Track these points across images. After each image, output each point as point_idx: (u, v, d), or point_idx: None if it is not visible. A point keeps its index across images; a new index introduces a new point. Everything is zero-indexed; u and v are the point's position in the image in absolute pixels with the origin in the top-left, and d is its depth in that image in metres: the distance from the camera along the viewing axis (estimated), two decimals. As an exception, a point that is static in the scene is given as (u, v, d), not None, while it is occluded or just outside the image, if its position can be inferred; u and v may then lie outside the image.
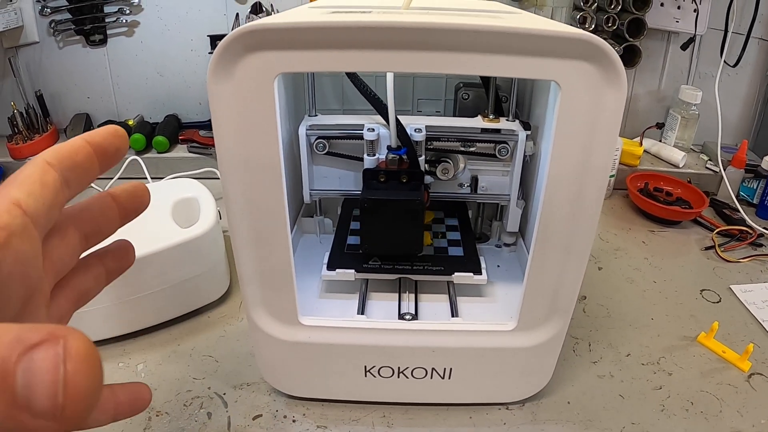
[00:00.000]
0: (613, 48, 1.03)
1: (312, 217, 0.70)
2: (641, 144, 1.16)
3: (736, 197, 1.04)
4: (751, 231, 0.95)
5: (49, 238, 0.28)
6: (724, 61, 1.13)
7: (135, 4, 1.12)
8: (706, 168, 1.14)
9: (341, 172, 0.65)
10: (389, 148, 0.60)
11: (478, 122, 0.63)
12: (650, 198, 1.02)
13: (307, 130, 0.61)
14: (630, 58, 1.08)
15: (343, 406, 0.57)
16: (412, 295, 0.61)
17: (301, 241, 0.70)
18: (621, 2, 1.04)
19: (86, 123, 1.20)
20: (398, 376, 0.54)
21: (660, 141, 1.21)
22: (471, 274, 0.60)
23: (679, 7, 1.11)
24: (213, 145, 1.06)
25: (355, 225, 0.68)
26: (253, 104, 0.40)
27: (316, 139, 0.62)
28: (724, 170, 1.07)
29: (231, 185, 0.43)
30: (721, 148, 1.11)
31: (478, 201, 0.69)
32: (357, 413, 0.57)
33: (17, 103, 1.11)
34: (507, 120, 0.64)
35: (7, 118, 1.11)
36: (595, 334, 0.70)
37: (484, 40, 0.37)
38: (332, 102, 0.71)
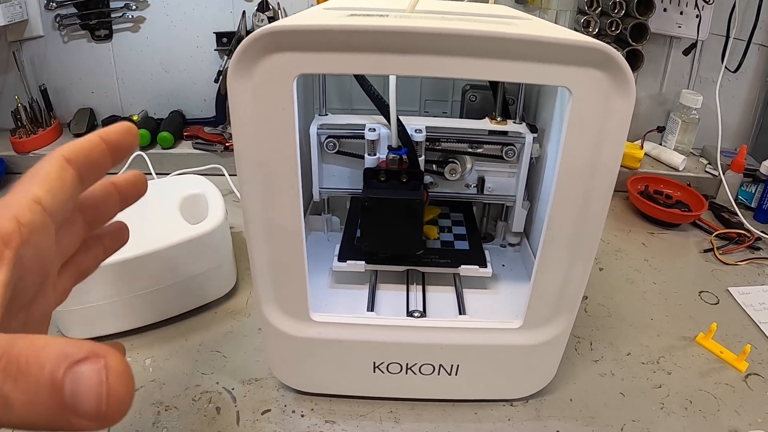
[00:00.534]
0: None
1: (319, 214, 0.71)
2: (642, 147, 1.17)
3: (735, 201, 1.05)
4: (749, 234, 0.97)
5: (60, 227, 0.29)
6: (725, 67, 1.14)
7: (141, 0, 1.12)
8: (706, 172, 1.15)
9: (349, 171, 0.66)
10: (390, 147, 0.61)
11: (485, 124, 0.64)
12: (650, 200, 1.03)
13: (318, 129, 0.62)
14: (632, 62, 1.09)
15: (351, 401, 0.58)
16: (420, 288, 0.62)
17: (309, 238, 0.71)
18: (625, 7, 1.05)
19: (90, 118, 1.20)
20: (406, 372, 0.55)
21: (660, 144, 1.22)
22: (476, 266, 0.61)
23: (681, 13, 1.13)
24: (218, 142, 1.07)
25: (362, 221, 0.69)
26: (272, 103, 0.41)
27: (327, 138, 0.63)
28: (724, 174, 1.09)
29: (248, 182, 0.44)
30: (721, 152, 1.12)
31: (484, 201, 0.71)
32: (365, 409, 0.58)
33: (21, 97, 1.11)
34: (514, 122, 0.65)
35: (10, 112, 1.11)
36: (597, 333, 0.71)
37: (500, 46, 0.38)
38: (336, 101, 0.72)
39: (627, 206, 1.09)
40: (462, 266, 0.61)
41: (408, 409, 0.58)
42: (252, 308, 0.72)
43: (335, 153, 0.64)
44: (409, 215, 0.58)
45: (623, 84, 0.40)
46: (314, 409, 0.57)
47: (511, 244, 0.72)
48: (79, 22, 1.13)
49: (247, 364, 0.63)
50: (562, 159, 0.43)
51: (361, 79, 0.59)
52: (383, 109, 0.59)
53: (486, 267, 0.61)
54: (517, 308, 0.55)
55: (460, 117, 0.71)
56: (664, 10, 1.13)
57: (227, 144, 1.11)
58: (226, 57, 1.15)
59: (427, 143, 0.62)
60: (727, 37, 1.14)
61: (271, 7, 1.09)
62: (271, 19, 1.09)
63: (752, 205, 1.08)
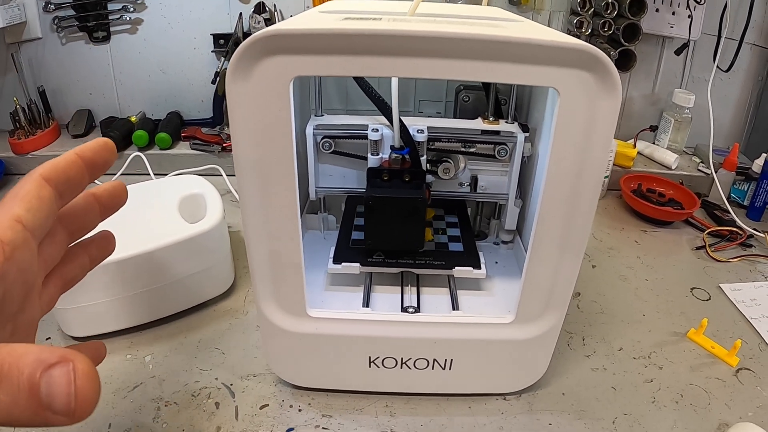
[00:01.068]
0: (609, 52, 1.05)
1: (316, 213, 0.72)
2: (635, 146, 1.18)
3: (727, 199, 1.06)
4: (741, 232, 0.98)
5: (41, 240, 0.32)
6: (717, 66, 1.16)
7: (139, 2, 1.13)
8: (698, 170, 1.17)
9: (345, 171, 0.67)
10: (392, 147, 0.62)
11: (478, 124, 0.65)
12: (643, 199, 1.04)
13: (314, 129, 0.63)
14: (625, 62, 1.11)
15: (347, 396, 0.59)
16: (414, 289, 0.63)
17: (306, 237, 0.72)
18: (617, 7, 1.06)
19: (88, 119, 1.21)
20: (401, 367, 0.56)
21: (653, 143, 1.24)
22: (470, 268, 0.62)
23: (673, 13, 1.14)
24: (215, 143, 1.09)
25: (359, 221, 0.70)
26: (269, 105, 0.42)
27: (323, 139, 0.64)
28: (716, 172, 1.10)
29: (246, 182, 0.45)
30: (713, 150, 1.13)
31: (477, 200, 0.72)
32: (361, 403, 0.59)
33: (19, 99, 1.12)
34: (506, 122, 0.66)
35: (9, 113, 1.12)
36: (589, 329, 0.72)
37: (490, 49, 0.39)
38: (335, 102, 0.73)
39: (620, 204, 1.10)
40: (456, 268, 0.62)
41: (403, 403, 0.59)
42: (249, 306, 0.73)
43: (331, 153, 0.65)
44: (412, 213, 0.59)
45: (610, 84, 0.41)
46: (311, 404, 0.59)
47: (504, 242, 0.73)
48: (77, 24, 1.14)
49: (245, 360, 0.64)
50: (551, 157, 0.44)
51: (360, 81, 0.60)
52: (384, 109, 0.60)
53: (480, 269, 0.62)
54: (510, 304, 0.57)
55: (454, 117, 0.72)
56: (656, 10, 1.14)
57: (224, 145, 1.12)
58: (223, 58, 1.16)
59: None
60: (719, 36, 1.15)
61: (267, 9, 1.11)
62: (268, 21, 1.10)
63: (744, 203, 1.09)
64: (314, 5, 1.11)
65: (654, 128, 1.23)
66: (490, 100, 0.66)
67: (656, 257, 0.92)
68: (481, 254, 0.64)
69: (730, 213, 1.03)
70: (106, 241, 0.41)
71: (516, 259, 0.71)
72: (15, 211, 0.29)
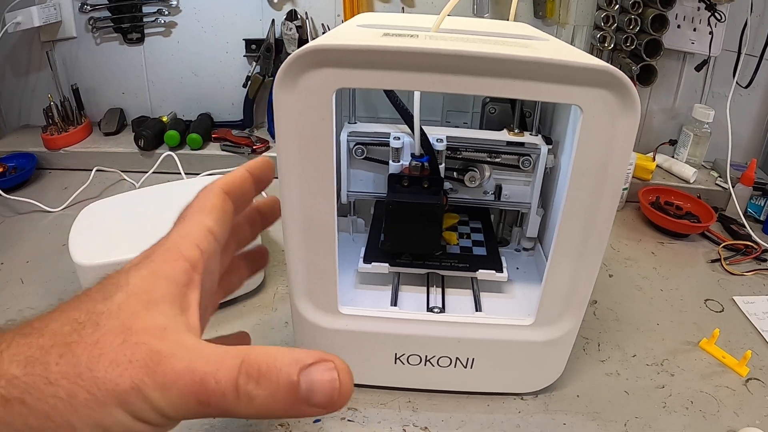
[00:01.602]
0: (631, 67, 1.07)
1: (346, 216, 0.76)
2: (654, 159, 1.20)
3: (744, 214, 1.08)
4: (756, 246, 0.99)
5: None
6: (737, 82, 1.17)
7: (174, 5, 1.17)
8: (716, 184, 1.18)
9: (375, 176, 0.70)
10: (413, 155, 0.65)
11: (503, 135, 0.68)
12: (661, 211, 1.06)
13: (348, 136, 0.67)
14: (646, 76, 1.12)
15: (372, 391, 0.62)
16: (439, 289, 0.66)
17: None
18: (640, 23, 1.08)
19: (120, 118, 1.25)
20: (425, 364, 0.59)
21: (672, 157, 1.25)
22: (493, 271, 0.65)
23: (695, 30, 1.16)
24: (245, 145, 1.12)
25: (387, 224, 0.73)
26: (313, 113, 0.45)
27: (355, 145, 0.67)
28: (733, 187, 1.11)
29: (288, 186, 0.48)
30: (731, 165, 1.15)
31: (501, 208, 0.74)
32: (385, 398, 0.62)
33: (53, 96, 1.16)
34: (530, 134, 0.69)
35: (42, 110, 1.16)
36: (604, 335, 0.75)
37: (519, 68, 0.42)
38: (360, 110, 0.76)
39: (638, 216, 1.12)
40: (480, 270, 0.65)
41: (425, 399, 0.62)
42: (278, 303, 0.76)
43: (363, 159, 0.68)
44: (430, 218, 0.63)
45: (629, 103, 0.44)
46: (338, 397, 0.61)
47: (525, 249, 0.76)
48: (112, 25, 1.18)
49: (275, 354, 0.67)
50: (573, 169, 0.47)
51: (389, 92, 0.63)
52: (408, 119, 0.63)
53: (502, 272, 0.65)
54: (530, 307, 0.59)
55: (480, 128, 0.75)
56: (678, 26, 1.16)
57: (254, 147, 1.15)
58: (254, 63, 1.19)
59: (449, 152, 0.66)
60: (739, 53, 1.16)
61: (299, 16, 1.14)
62: (299, 29, 1.13)
63: (761, 218, 1.10)
64: (344, 13, 1.14)
65: (673, 142, 1.25)
66: (516, 113, 0.69)
67: (672, 269, 0.93)
68: (503, 258, 0.67)
69: (746, 227, 1.05)
70: (263, 255, 0.44)
71: (536, 266, 0.73)
72: (207, 222, 0.31)
